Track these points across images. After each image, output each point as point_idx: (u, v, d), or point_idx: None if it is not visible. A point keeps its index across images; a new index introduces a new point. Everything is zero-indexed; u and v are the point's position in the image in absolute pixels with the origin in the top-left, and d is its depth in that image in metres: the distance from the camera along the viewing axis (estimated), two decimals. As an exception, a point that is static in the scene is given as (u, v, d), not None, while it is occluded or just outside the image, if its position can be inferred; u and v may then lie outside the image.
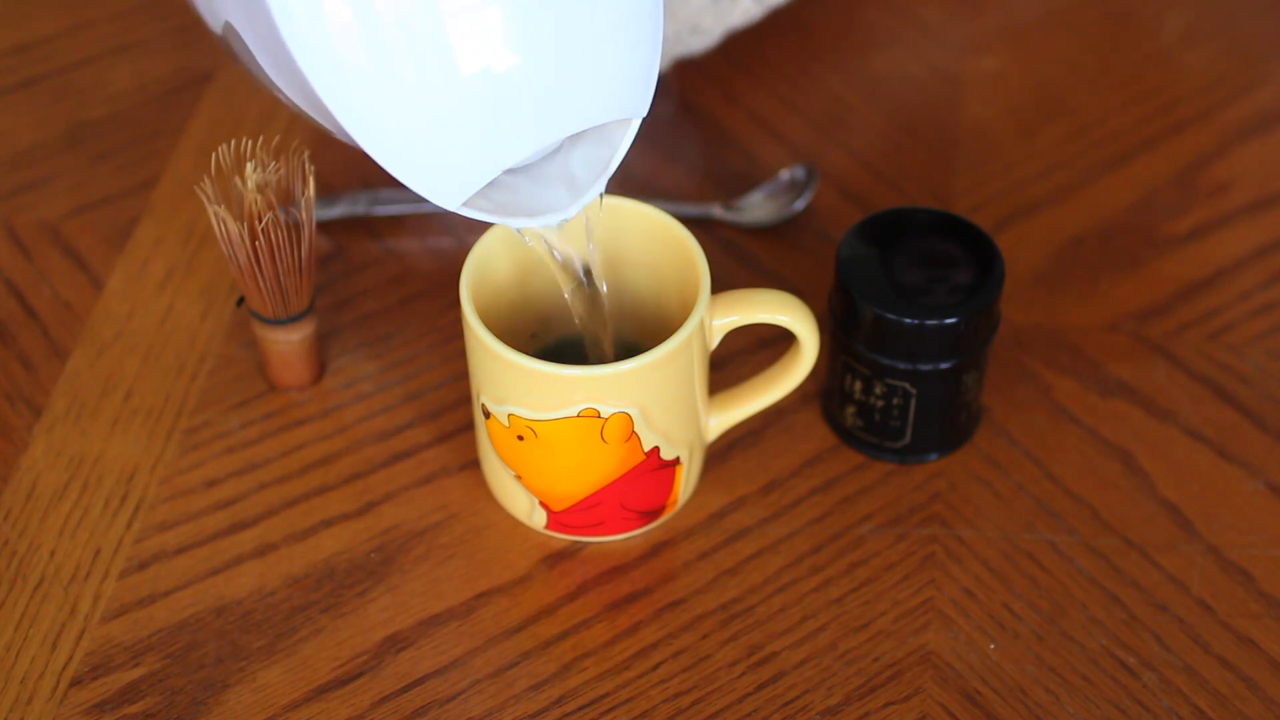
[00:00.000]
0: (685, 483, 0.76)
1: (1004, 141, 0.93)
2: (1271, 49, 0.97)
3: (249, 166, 0.73)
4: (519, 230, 0.70)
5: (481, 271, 0.73)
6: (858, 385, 0.77)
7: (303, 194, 0.74)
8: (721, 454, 0.79)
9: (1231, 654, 0.73)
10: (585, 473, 0.73)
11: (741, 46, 0.97)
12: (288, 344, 0.79)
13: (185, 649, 0.73)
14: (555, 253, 0.71)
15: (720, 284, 0.74)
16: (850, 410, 0.78)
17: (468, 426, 0.80)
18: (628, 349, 0.74)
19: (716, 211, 0.88)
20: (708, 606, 0.74)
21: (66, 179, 0.91)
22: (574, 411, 0.70)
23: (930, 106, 0.95)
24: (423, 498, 0.78)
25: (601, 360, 0.74)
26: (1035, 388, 0.82)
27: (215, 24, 0.68)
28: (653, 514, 0.76)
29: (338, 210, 0.88)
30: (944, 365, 0.75)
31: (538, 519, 0.76)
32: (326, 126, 0.66)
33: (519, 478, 0.74)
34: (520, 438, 0.72)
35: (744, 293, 0.74)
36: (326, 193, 0.89)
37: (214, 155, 0.74)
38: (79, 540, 0.76)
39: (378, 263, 0.87)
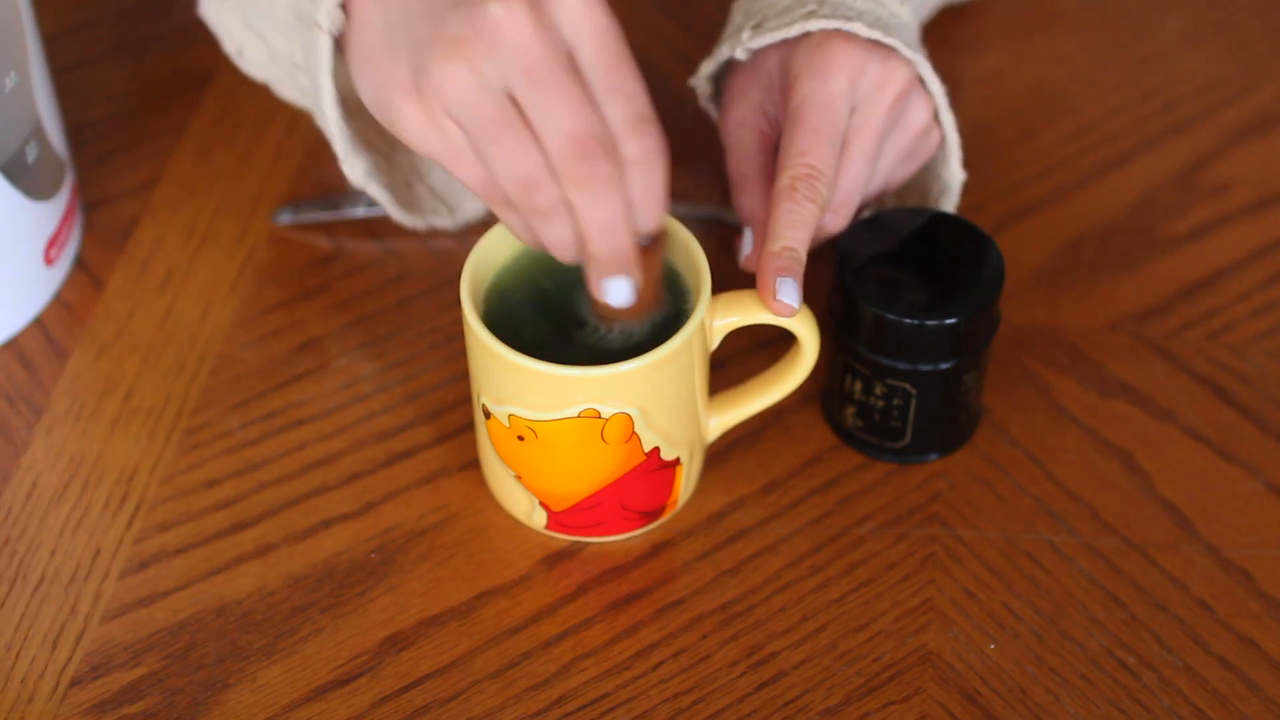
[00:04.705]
0: (685, 483, 0.76)
1: (1004, 142, 0.92)
2: (1271, 49, 0.97)
3: None
4: None
5: (481, 271, 0.73)
6: (858, 385, 0.77)
7: None
8: (721, 454, 0.79)
9: (1231, 654, 0.73)
10: (585, 473, 0.73)
11: (741, 46, 0.97)
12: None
13: (185, 649, 0.72)
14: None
15: (720, 284, 0.74)
16: (850, 410, 0.78)
17: (468, 426, 0.80)
18: (628, 350, 0.74)
19: (716, 211, 0.88)
20: (708, 607, 0.74)
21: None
22: (574, 412, 0.70)
23: (930, 106, 0.95)
24: (423, 498, 0.78)
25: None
26: (1035, 388, 0.82)
27: None
28: (653, 514, 0.76)
29: (338, 210, 0.88)
30: (944, 365, 0.75)
31: (538, 519, 0.76)
32: None
33: (519, 478, 0.74)
34: (520, 438, 0.72)
35: (744, 293, 0.74)
36: (325, 194, 0.89)
37: None
38: (79, 540, 0.76)
39: (378, 263, 0.87)
